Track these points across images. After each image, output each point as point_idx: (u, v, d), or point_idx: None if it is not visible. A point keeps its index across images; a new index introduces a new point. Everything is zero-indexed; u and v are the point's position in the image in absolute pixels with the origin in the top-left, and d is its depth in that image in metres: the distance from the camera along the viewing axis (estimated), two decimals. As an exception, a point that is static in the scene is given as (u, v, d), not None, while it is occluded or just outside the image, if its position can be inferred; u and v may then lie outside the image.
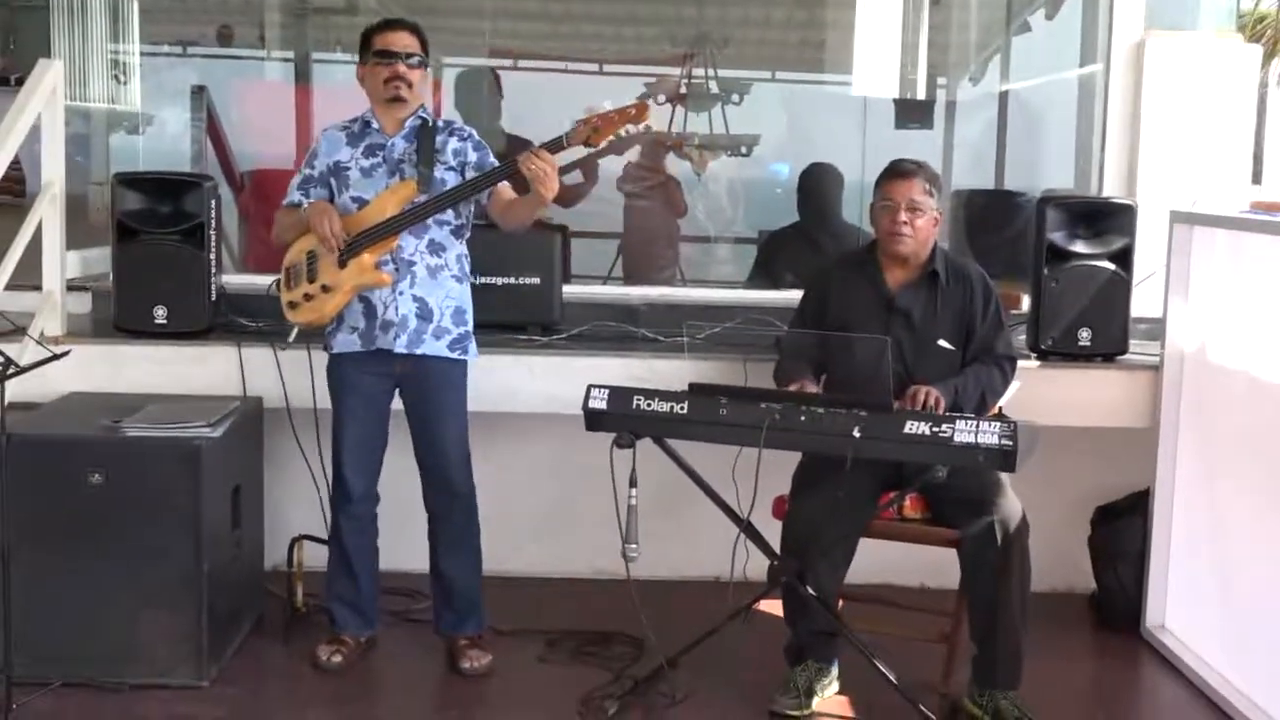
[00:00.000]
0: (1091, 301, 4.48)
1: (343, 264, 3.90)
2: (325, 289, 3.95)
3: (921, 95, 7.08)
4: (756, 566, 3.82)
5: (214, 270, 4.52)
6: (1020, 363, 4.15)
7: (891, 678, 3.74)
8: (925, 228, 3.92)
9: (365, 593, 4.17)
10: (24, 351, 3.83)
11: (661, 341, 4.66)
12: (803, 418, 3.62)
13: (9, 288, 4.26)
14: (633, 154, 6.88)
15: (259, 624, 4.40)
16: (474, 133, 4.07)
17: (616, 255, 6.88)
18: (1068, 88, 5.71)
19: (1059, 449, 4.12)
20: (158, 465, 3.86)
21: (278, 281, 4.09)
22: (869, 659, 3.77)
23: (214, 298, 4.53)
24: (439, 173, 3.93)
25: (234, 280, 4.70)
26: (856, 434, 3.54)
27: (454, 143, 4.00)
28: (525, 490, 4.91)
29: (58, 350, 3.67)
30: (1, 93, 6.25)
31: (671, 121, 7.26)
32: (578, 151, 4.78)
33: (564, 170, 6.30)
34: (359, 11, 7.23)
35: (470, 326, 4.05)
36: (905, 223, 3.90)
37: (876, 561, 4.10)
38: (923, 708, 3.68)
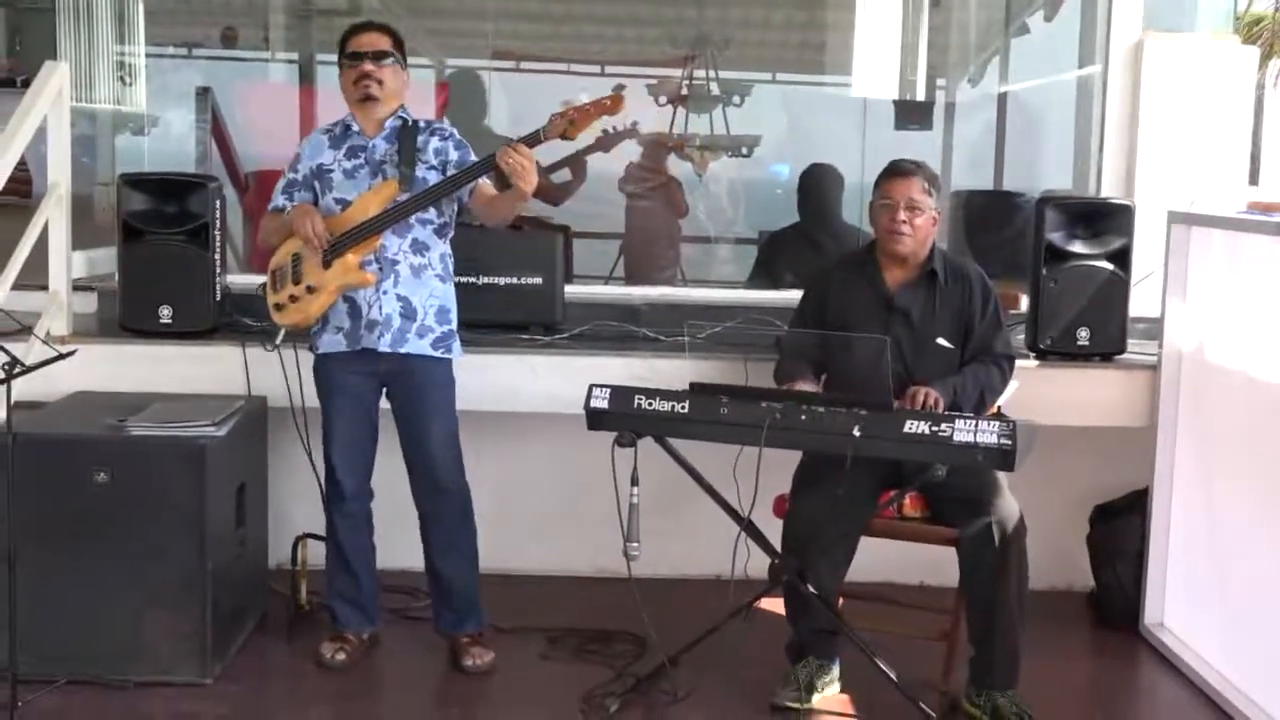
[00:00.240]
0: (1090, 301, 4.50)
1: (327, 265, 3.93)
2: (310, 290, 3.98)
3: (921, 96, 7.11)
4: (757, 565, 3.84)
5: (218, 270, 4.55)
6: (1019, 362, 4.17)
7: (892, 675, 3.76)
8: (924, 227, 3.94)
9: (365, 590, 4.19)
10: (30, 351, 3.84)
11: (663, 341, 4.68)
12: (803, 417, 3.63)
13: (15, 288, 4.28)
14: (634, 155, 6.92)
15: (263, 622, 4.41)
16: (455, 132, 4.08)
17: (618, 255, 6.91)
18: (1066, 89, 5.73)
19: (1058, 448, 4.15)
20: (162, 464, 3.88)
21: (265, 285, 4.12)
22: (869, 657, 3.79)
23: (219, 298, 4.55)
24: (420, 172, 3.95)
25: (238, 280, 4.71)
26: (856, 433, 3.56)
27: (435, 142, 4.01)
28: (527, 489, 4.93)
29: (63, 350, 3.68)
30: (8, 94, 6.27)
31: (673, 123, 7.29)
32: (558, 148, 4.80)
33: (552, 169, 6.36)
34: (362, 13, 7.25)
35: (454, 325, 4.06)
36: (904, 222, 3.92)
37: (876, 560, 4.11)
38: (923, 705, 3.69)
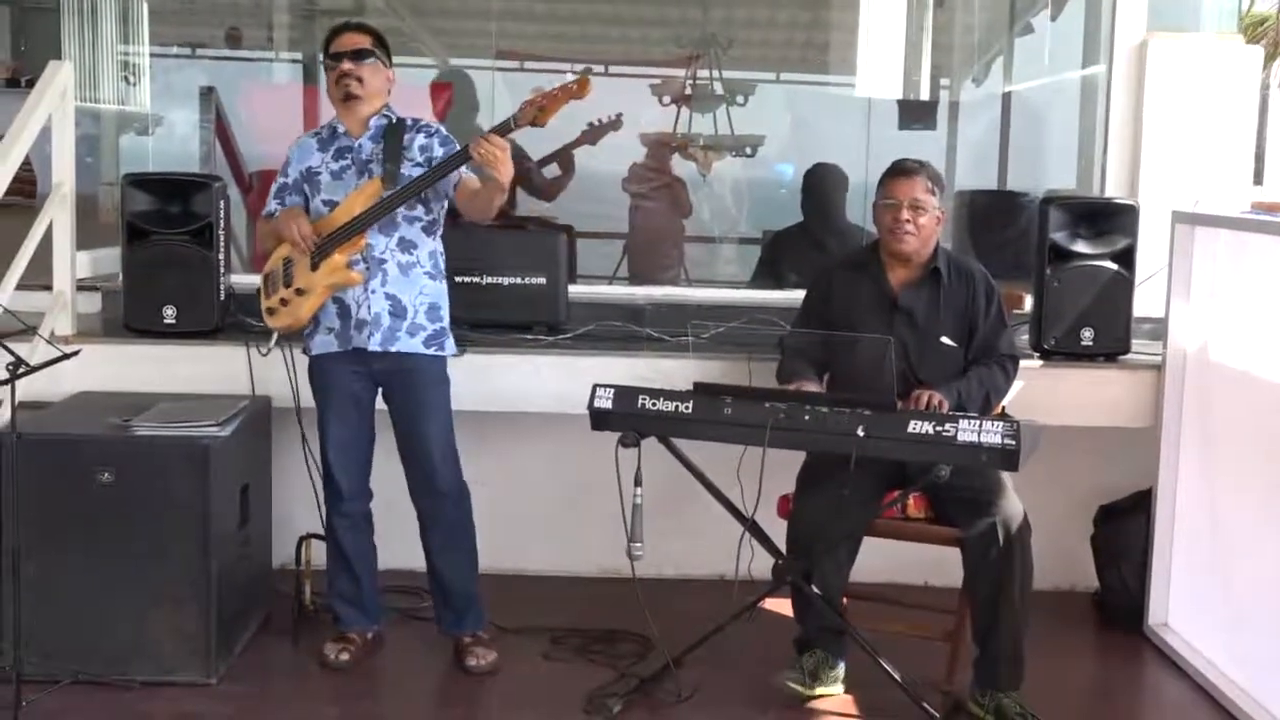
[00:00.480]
0: (1094, 301, 4.50)
1: (315, 266, 3.94)
2: (299, 292, 3.99)
3: (925, 96, 7.11)
4: (761, 565, 3.85)
5: (223, 270, 4.55)
6: (1023, 362, 4.16)
7: (896, 675, 3.76)
8: (928, 226, 3.95)
9: (366, 589, 4.19)
10: (34, 351, 3.85)
11: (666, 341, 4.68)
12: (807, 417, 3.63)
13: (20, 287, 4.29)
14: (638, 155, 6.91)
15: (267, 622, 4.41)
16: (441, 128, 4.07)
17: (622, 255, 6.90)
18: (1070, 89, 5.73)
19: (1062, 448, 4.15)
20: (167, 464, 3.89)
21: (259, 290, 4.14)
22: (873, 657, 3.79)
23: (223, 298, 4.56)
24: (406, 170, 3.93)
25: (242, 280, 4.71)
26: (860, 433, 3.56)
27: (420, 139, 4.00)
28: (531, 489, 4.93)
29: (68, 350, 3.68)
30: (12, 94, 6.29)
31: (677, 122, 7.28)
32: (548, 145, 4.72)
33: (542, 163, 6.37)
34: (366, 13, 7.26)
35: (446, 323, 4.05)
36: (908, 221, 3.92)
37: (880, 560, 4.11)
38: (926, 705, 3.69)
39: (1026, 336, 4.56)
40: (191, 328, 4.52)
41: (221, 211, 4.54)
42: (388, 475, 4.12)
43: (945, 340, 3.98)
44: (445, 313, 4.06)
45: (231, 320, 4.58)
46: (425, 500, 4.08)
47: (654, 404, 3.78)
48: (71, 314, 4.59)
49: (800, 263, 5.52)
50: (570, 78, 3.75)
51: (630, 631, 4.27)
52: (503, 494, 4.85)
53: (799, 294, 4.29)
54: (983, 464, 3.55)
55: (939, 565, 4.15)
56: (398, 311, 3.96)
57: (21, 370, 3.44)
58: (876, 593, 4.25)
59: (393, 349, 3.96)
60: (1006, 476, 3.77)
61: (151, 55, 6.84)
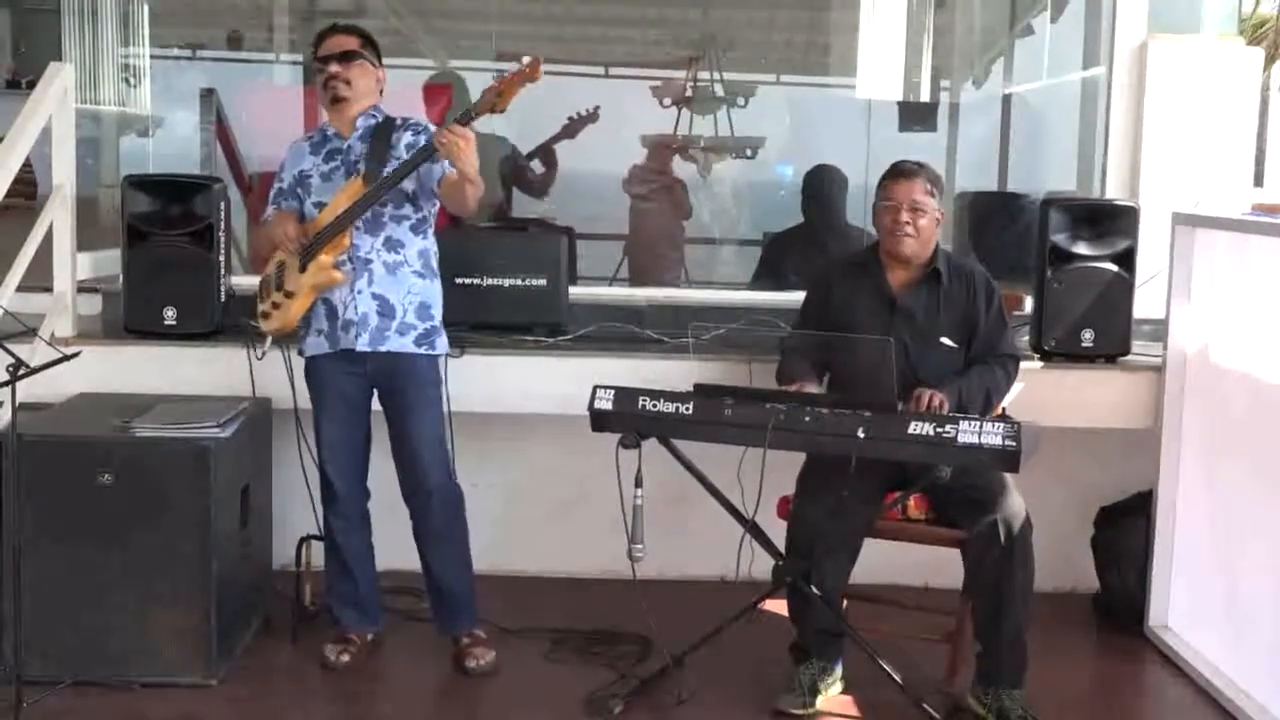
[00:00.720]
0: (1094, 303, 4.50)
1: (303, 268, 3.94)
2: (288, 295, 4.00)
3: (925, 98, 7.11)
4: (761, 566, 3.85)
5: (223, 272, 4.55)
6: (1023, 364, 4.17)
7: (896, 677, 3.76)
8: (927, 228, 3.95)
9: (364, 590, 4.20)
10: (35, 352, 3.85)
11: (667, 342, 4.68)
12: (807, 418, 3.64)
13: (20, 289, 4.30)
14: (639, 156, 6.92)
15: (267, 624, 4.41)
16: (430, 126, 4.05)
17: (622, 257, 6.90)
18: (1071, 90, 5.73)
19: (1062, 449, 4.15)
20: (167, 465, 3.89)
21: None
22: (873, 658, 3.79)
23: (223, 299, 4.56)
24: (392, 167, 3.92)
25: (243, 282, 4.71)
26: (861, 434, 3.56)
27: (408, 137, 3.98)
28: (531, 490, 4.94)
29: (68, 351, 3.68)
30: (13, 96, 6.29)
31: (677, 124, 7.28)
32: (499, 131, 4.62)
33: (529, 157, 6.42)
34: (367, 13, 7.26)
35: (437, 322, 4.05)
36: (907, 223, 3.92)
37: (881, 561, 4.12)
38: (926, 706, 3.69)
39: (1027, 338, 4.57)
40: (192, 329, 4.53)
41: (222, 213, 4.54)
42: (388, 476, 4.11)
43: (945, 341, 3.98)
44: (437, 312, 4.06)
45: (232, 322, 4.57)
46: (416, 500, 4.08)
47: (654, 405, 3.78)
48: (72, 315, 4.60)
49: (800, 264, 5.53)
50: (527, 60, 3.75)
51: (631, 632, 4.27)
52: (504, 495, 4.87)
53: (799, 295, 4.29)
54: (984, 465, 3.56)
55: (939, 567, 4.15)
56: (386, 311, 3.96)
57: (22, 372, 3.44)
58: (876, 594, 4.25)
59: (382, 349, 3.96)
60: (1008, 477, 3.77)
61: (152, 57, 6.84)
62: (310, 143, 4.10)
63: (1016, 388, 4.10)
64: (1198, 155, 4.90)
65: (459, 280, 4.59)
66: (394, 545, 4.19)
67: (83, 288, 4.74)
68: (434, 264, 4.07)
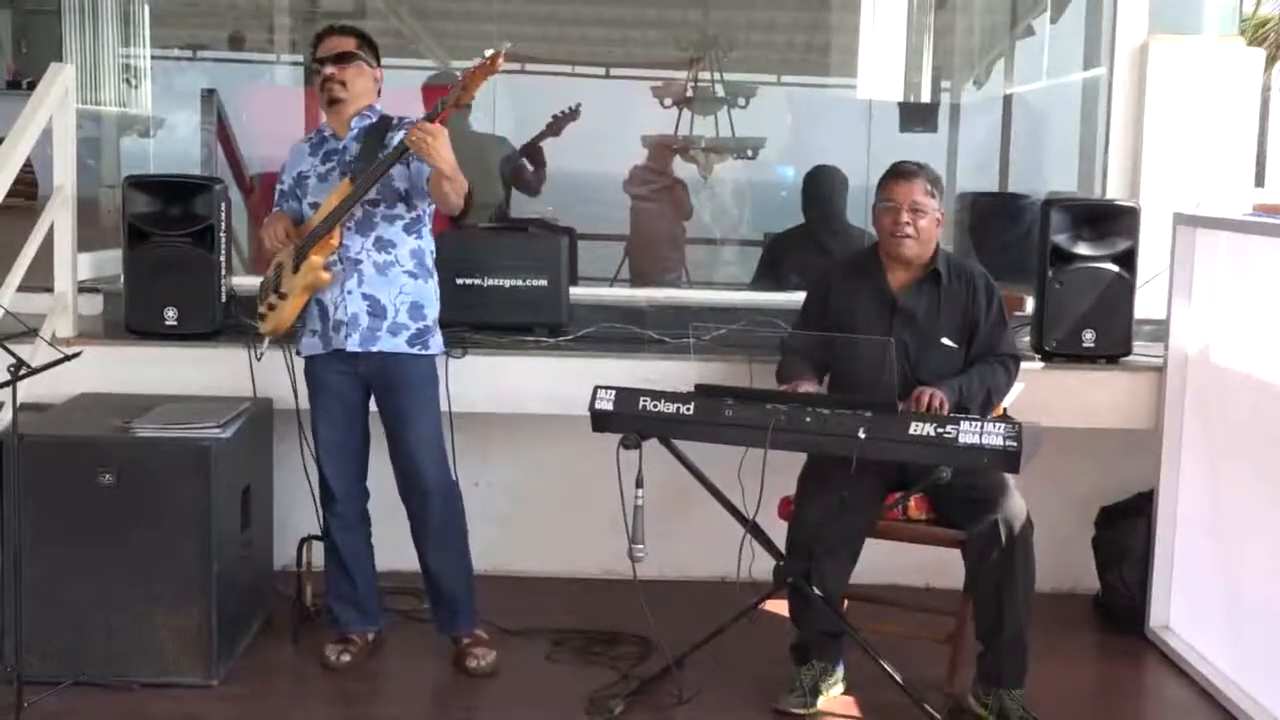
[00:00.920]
0: (1095, 303, 4.50)
1: (296, 269, 3.95)
2: (283, 296, 4.01)
3: (926, 98, 7.11)
4: (762, 567, 3.85)
5: (224, 272, 4.56)
6: (1024, 364, 4.17)
7: (897, 677, 3.76)
8: (927, 229, 3.95)
9: (363, 590, 4.20)
10: (36, 353, 3.85)
11: (668, 343, 4.69)
12: (808, 419, 3.64)
13: (21, 289, 4.30)
14: (640, 157, 6.92)
15: (268, 624, 4.41)
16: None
17: (623, 257, 6.90)
18: (1071, 91, 5.72)
19: (1063, 450, 4.15)
20: (168, 466, 3.89)
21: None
22: (874, 659, 3.79)
23: (224, 300, 4.56)
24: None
25: (244, 282, 4.72)
26: (862, 435, 3.56)
27: (399, 135, 3.95)
28: (532, 491, 4.94)
29: (69, 351, 3.68)
30: (14, 96, 6.29)
31: (678, 125, 7.28)
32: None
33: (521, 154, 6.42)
34: (368, 16, 7.26)
35: (430, 321, 4.04)
36: (907, 224, 3.92)
37: (881, 562, 4.12)
38: (927, 707, 3.69)
39: (1028, 338, 4.57)
40: (193, 330, 4.53)
41: (223, 213, 4.55)
42: (388, 476, 4.11)
43: (945, 341, 3.98)
44: (430, 311, 4.04)
45: (232, 322, 4.58)
46: (412, 499, 4.08)
47: (655, 405, 3.78)
48: (73, 316, 4.60)
49: (801, 265, 5.53)
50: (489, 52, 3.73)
51: (631, 633, 4.27)
52: (504, 495, 4.87)
53: (800, 296, 4.29)
54: (985, 465, 3.55)
55: (940, 567, 4.15)
56: (376, 311, 3.95)
57: (23, 372, 3.44)
58: (877, 595, 4.25)
59: (374, 349, 3.96)
60: (1009, 477, 3.77)
61: (153, 57, 6.84)
62: (309, 144, 4.11)
63: (1017, 388, 4.10)
64: (1198, 156, 4.91)
65: (460, 280, 4.60)
66: (395, 545, 4.19)
67: (83, 288, 4.74)
68: (429, 263, 4.06)
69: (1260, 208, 4.28)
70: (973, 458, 3.51)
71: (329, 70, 3.96)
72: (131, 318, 4.56)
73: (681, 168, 7.06)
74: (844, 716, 3.90)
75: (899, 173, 4.00)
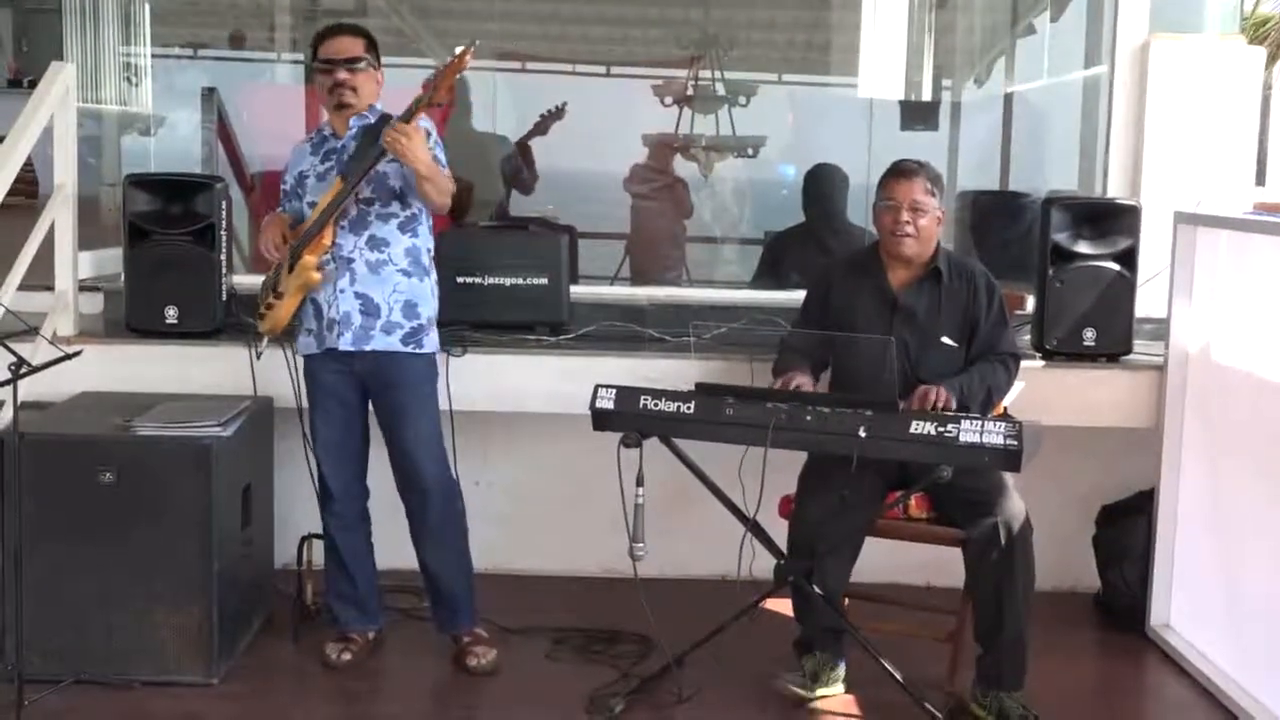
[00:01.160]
0: (1096, 302, 4.50)
1: (291, 268, 3.95)
2: (279, 295, 4.01)
3: (927, 97, 7.11)
4: (763, 565, 3.85)
5: (225, 271, 4.56)
6: (1025, 363, 4.17)
7: (897, 676, 3.76)
8: (928, 228, 3.95)
9: (363, 589, 4.19)
10: (36, 351, 3.85)
11: (668, 341, 4.68)
12: (809, 417, 3.64)
13: (22, 288, 4.30)
14: (640, 155, 6.92)
15: (269, 622, 4.41)
16: (423, 123, 3.95)
17: (623, 256, 6.91)
18: (1072, 89, 5.72)
19: (1064, 449, 4.15)
20: (169, 464, 3.89)
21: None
22: (875, 657, 3.79)
23: (225, 298, 4.56)
24: (382, 166, 3.90)
25: (244, 281, 4.72)
26: (862, 434, 3.56)
27: None
28: (533, 489, 4.94)
29: (70, 350, 3.69)
30: (15, 94, 6.29)
31: (678, 123, 7.29)
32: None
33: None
34: (368, 13, 7.26)
35: (425, 320, 4.02)
36: (907, 223, 3.92)
37: (882, 560, 4.12)
38: (928, 706, 3.69)
39: (1029, 337, 4.57)
40: (193, 328, 4.53)
41: (223, 212, 4.55)
42: (389, 475, 4.11)
43: (946, 340, 3.98)
44: (426, 309, 4.03)
45: (233, 321, 4.58)
46: (411, 498, 4.07)
47: (656, 404, 3.78)
48: (73, 314, 4.60)
49: (801, 263, 5.53)
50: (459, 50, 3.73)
51: (632, 631, 4.27)
52: (505, 494, 4.87)
53: (800, 294, 4.29)
54: (985, 465, 3.55)
55: (940, 566, 4.15)
56: (370, 310, 3.95)
57: (24, 370, 3.44)
58: (878, 593, 4.25)
59: (367, 348, 3.96)
60: (1009, 476, 3.77)
61: (153, 56, 6.85)
62: (310, 143, 4.10)
63: (1018, 387, 4.10)
64: (1199, 154, 4.90)
65: (460, 279, 4.60)
66: (395, 544, 4.19)
67: (84, 286, 4.74)
68: (424, 262, 4.05)
69: (1261, 206, 4.28)
70: (973, 457, 3.51)
71: (342, 76, 3.93)
72: (132, 316, 4.56)
73: (682, 166, 7.07)
74: (845, 715, 3.90)
75: (899, 171, 4.00)
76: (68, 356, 3.63)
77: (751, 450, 3.65)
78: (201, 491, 3.87)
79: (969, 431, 3.49)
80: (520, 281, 4.71)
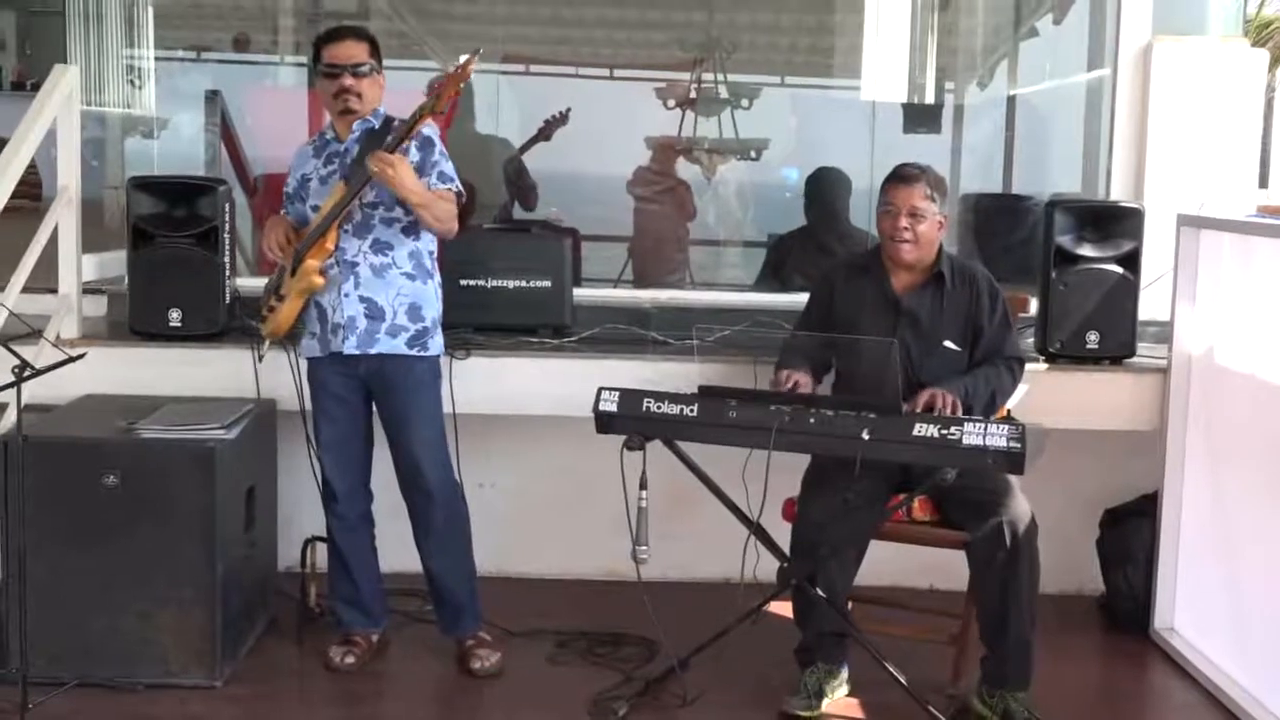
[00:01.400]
0: (1099, 305, 4.49)
1: (293, 272, 3.95)
2: (281, 298, 4.01)
3: (930, 100, 7.11)
4: (766, 568, 3.84)
5: (228, 273, 4.56)
6: (1028, 365, 4.17)
7: (901, 679, 3.76)
8: (928, 233, 3.94)
9: (366, 591, 4.19)
10: (40, 354, 3.85)
11: (671, 344, 4.68)
12: (812, 420, 3.64)
13: (25, 290, 4.31)
14: (643, 158, 6.92)
15: (272, 625, 4.42)
16: (423, 129, 3.95)
17: (626, 259, 6.91)
18: (1075, 92, 5.72)
19: (1067, 451, 4.14)
20: (172, 467, 3.89)
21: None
22: (879, 660, 3.79)
23: (228, 301, 4.56)
24: None
25: (248, 283, 4.72)
26: (865, 436, 3.56)
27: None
28: (536, 492, 4.94)
29: (73, 353, 3.69)
30: (18, 97, 6.30)
31: (681, 126, 7.29)
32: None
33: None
34: (371, 16, 7.27)
35: (429, 323, 4.02)
36: (906, 229, 3.92)
37: (886, 563, 4.11)
38: (932, 709, 3.69)
39: (1032, 340, 4.56)
40: (197, 331, 4.53)
41: (227, 215, 4.55)
42: (393, 477, 4.11)
43: (948, 344, 3.98)
44: (430, 313, 4.03)
45: (237, 323, 4.58)
46: (414, 501, 4.08)
47: (659, 407, 3.79)
48: (77, 317, 4.60)
49: (805, 266, 5.53)
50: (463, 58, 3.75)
51: (635, 634, 4.27)
52: (508, 497, 4.86)
53: (803, 297, 4.29)
54: (989, 467, 3.55)
55: (944, 568, 4.14)
56: (374, 314, 3.95)
57: (27, 373, 3.44)
58: (881, 596, 4.25)
59: (372, 351, 3.96)
60: (1013, 478, 3.76)
61: (157, 59, 6.84)
62: (313, 146, 4.10)
63: (1021, 390, 4.10)
64: (1202, 157, 4.90)
65: (464, 282, 4.60)
66: (399, 546, 4.19)
67: (88, 289, 4.74)
68: (428, 265, 4.05)
69: (1264, 209, 4.29)
70: (977, 459, 3.51)
71: (348, 82, 3.92)
72: (136, 319, 4.56)
73: (685, 169, 7.06)
74: (848, 718, 3.89)
75: (900, 177, 4.00)
76: (71, 359, 3.63)
77: (755, 453, 3.64)
78: (205, 494, 3.88)
79: (972, 434, 3.49)
80: (523, 284, 4.71)
